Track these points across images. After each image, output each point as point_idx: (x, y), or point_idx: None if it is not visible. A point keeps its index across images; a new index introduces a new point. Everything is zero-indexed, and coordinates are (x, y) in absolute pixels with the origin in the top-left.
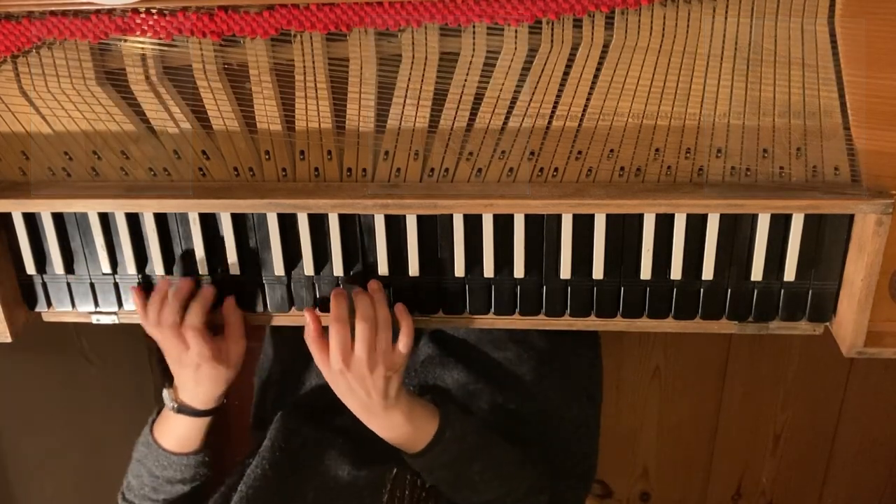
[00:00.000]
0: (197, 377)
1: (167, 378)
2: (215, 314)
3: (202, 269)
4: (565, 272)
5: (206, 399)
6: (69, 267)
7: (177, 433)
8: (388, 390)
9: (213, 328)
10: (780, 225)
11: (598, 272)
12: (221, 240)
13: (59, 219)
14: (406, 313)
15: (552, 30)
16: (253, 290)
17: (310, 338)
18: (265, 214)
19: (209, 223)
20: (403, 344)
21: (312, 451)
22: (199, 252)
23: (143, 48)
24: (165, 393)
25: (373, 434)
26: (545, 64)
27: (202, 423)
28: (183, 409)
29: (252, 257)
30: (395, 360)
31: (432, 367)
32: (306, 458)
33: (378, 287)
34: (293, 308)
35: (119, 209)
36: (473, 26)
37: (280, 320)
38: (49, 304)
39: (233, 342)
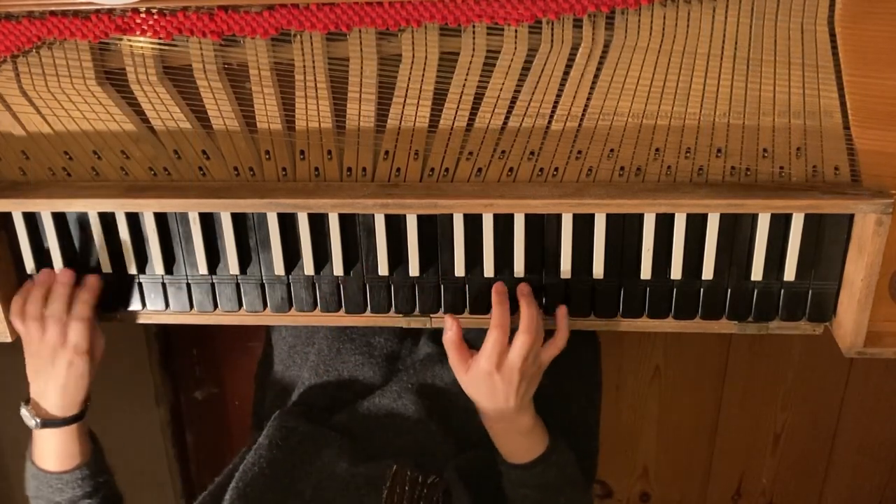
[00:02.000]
0: (66, 378)
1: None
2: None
3: (202, 268)
4: (565, 272)
5: (70, 403)
6: (69, 267)
7: (54, 450)
8: (526, 396)
9: None
10: (780, 225)
11: (598, 272)
12: (221, 239)
13: (59, 219)
14: (565, 321)
15: (552, 30)
16: (254, 290)
17: (450, 342)
18: (265, 214)
19: (209, 223)
20: (551, 352)
21: (310, 449)
22: (200, 251)
23: (143, 48)
24: (24, 412)
25: (371, 432)
26: (545, 64)
27: (73, 431)
28: (48, 423)
29: (252, 257)
30: (542, 366)
31: (431, 366)
32: (303, 455)
33: (530, 292)
34: (293, 308)
35: (119, 209)
36: (473, 26)
37: (280, 320)
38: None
39: (94, 336)
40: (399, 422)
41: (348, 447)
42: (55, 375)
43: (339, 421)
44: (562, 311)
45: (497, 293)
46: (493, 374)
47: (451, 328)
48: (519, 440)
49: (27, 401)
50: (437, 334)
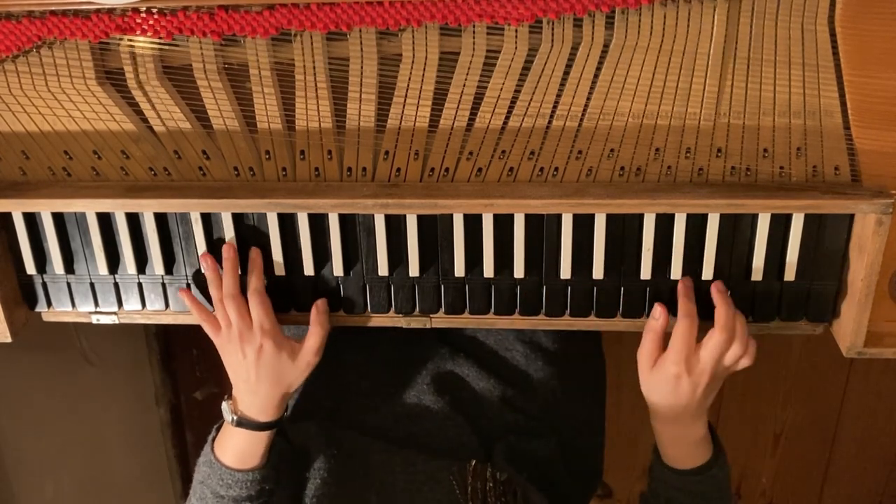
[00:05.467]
0: (258, 368)
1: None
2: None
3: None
4: (565, 272)
5: (265, 405)
6: (69, 267)
7: (238, 448)
8: (705, 403)
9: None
10: (780, 225)
11: (598, 272)
12: (221, 240)
13: (59, 219)
14: (745, 329)
15: (552, 29)
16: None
17: (654, 331)
18: (265, 214)
19: (209, 223)
20: (743, 363)
21: (361, 458)
22: (200, 251)
23: (143, 48)
24: (225, 405)
25: (403, 438)
26: (545, 64)
27: (263, 436)
28: (243, 423)
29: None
30: (725, 374)
31: (443, 364)
32: (358, 465)
33: (725, 289)
34: (292, 309)
35: (119, 209)
36: (473, 26)
37: (279, 320)
38: (49, 304)
39: (308, 346)
40: (426, 422)
41: (395, 450)
42: (247, 368)
43: (373, 424)
44: (741, 319)
45: (685, 287)
46: (681, 377)
47: (659, 317)
48: (685, 448)
49: (229, 395)
50: (447, 333)
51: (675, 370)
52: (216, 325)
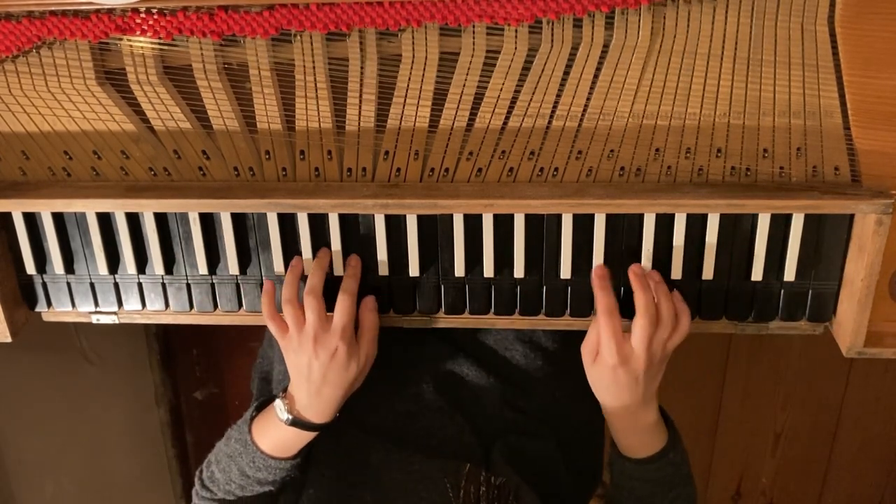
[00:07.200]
0: (325, 372)
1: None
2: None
3: (202, 268)
4: (565, 272)
5: (325, 408)
6: (69, 267)
7: (280, 440)
8: (650, 389)
9: None
10: (780, 225)
11: None
12: (221, 239)
13: (59, 219)
14: (684, 304)
15: (552, 30)
16: (253, 290)
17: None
18: (265, 214)
19: (209, 223)
20: (676, 339)
21: (360, 457)
22: (200, 251)
23: (143, 48)
24: (279, 403)
25: (403, 440)
26: (545, 64)
27: (311, 435)
28: (298, 423)
29: (252, 257)
30: (667, 356)
31: (442, 363)
32: (356, 463)
33: (660, 279)
34: None
35: (119, 209)
36: (473, 26)
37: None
38: (49, 304)
39: (364, 343)
40: (426, 421)
41: (393, 449)
42: (315, 370)
43: (374, 423)
44: (676, 294)
45: (598, 277)
46: (616, 369)
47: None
48: (639, 436)
49: (285, 390)
50: (447, 332)
51: (611, 362)
52: (283, 326)
